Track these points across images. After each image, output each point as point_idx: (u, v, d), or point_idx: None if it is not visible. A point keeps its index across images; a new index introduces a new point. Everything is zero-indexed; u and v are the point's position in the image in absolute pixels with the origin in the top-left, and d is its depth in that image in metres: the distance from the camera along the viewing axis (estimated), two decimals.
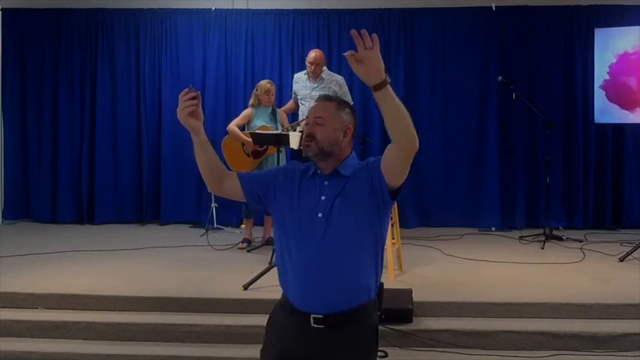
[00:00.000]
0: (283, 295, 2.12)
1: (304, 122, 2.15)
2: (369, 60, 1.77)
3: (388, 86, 1.81)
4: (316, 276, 2.01)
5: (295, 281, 2.04)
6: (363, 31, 1.76)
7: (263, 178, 2.22)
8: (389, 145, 1.98)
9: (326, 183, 2.09)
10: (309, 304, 2.02)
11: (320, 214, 2.03)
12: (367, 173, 2.06)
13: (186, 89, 2.05)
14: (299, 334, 2.03)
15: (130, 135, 6.98)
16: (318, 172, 2.13)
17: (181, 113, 2.05)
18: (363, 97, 6.61)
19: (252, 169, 5.61)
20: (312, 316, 2.00)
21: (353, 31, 1.76)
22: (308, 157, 2.12)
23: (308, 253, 2.02)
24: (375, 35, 1.78)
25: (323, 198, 2.06)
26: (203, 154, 2.15)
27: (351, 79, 6.48)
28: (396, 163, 1.97)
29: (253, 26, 6.90)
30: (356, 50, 1.78)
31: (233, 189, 2.20)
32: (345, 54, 1.80)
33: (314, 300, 2.01)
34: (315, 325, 2.00)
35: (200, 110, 2.07)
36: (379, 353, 2.21)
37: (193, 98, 2.05)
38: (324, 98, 2.18)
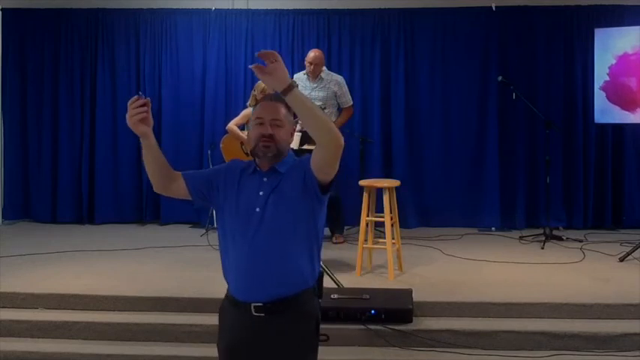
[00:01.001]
0: (227, 288, 2.26)
1: (256, 122, 2.22)
2: (275, 71, 1.96)
3: (295, 90, 1.98)
4: (252, 267, 2.14)
5: (235, 273, 2.18)
6: (267, 52, 1.97)
7: (206, 175, 2.34)
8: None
9: (265, 179, 2.22)
10: (249, 294, 2.14)
11: (257, 209, 2.16)
12: (300, 170, 2.18)
13: (136, 96, 2.13)
14: (243, 323, 2.16)
15: (130, 135, 6.79)
16: (258, 169, 2.25)
17: (131, 120, 2.13)
18: (363, 97, 6.62)
19: None
20: (253, 304, 2.13)
21: (259, 53, 1.96)
22: (264, 156, 2.20)
23: (244, 245, 2.15)
24: (275, 52, 1.98)
25: (261, 193, 2.19)
26: (152, 158, 2.27)
27: (351, 80, 6.50)
28: (322, 160, 2.11)
29: (253, 26, 6.90)
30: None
31: (179, 189, 2.32)
32: (251, 66, 2.00)
33: (252, 290, 2.14)
34: (256, 314, 2.13)
35: (150, 116, 2.16)
36: (321, 337, 2.29)
37: (142, 105, 2.13)
38: (275, 98, 2.24)
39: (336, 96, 5.77)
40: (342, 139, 2.05)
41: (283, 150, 2.23)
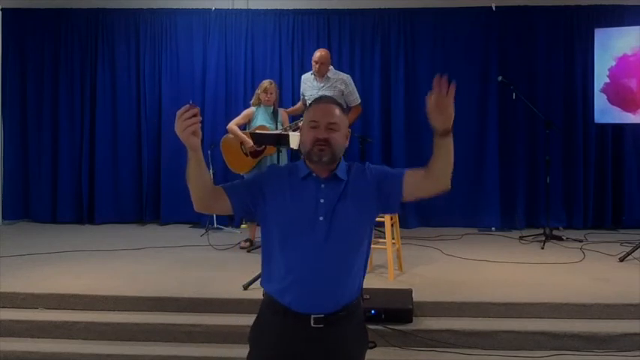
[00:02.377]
0: (270, 300, 2.10)
1: (311, 125, 2.12)
2: (447, 107, 1.92)
3: (451, 134, 1.96)
4: (318, 278, 2.03)
5: (295, 285, 2.04)
6: (443, 79, 1.93)
7: (249, 186, 2.15)
8: (422, 172, 2.08)
9: (322, 186, 2.09)
10: (310, 306, 2.03)
11: (321, 218, 2.04)
12: (373, 180, 2.10)
13: (187, 105, 1.93)
14: (297, 335, 2.05)
15: (130, 135, 6.98)
16: (313, 174, 2.11)
17: (185, 132, 1.92)
18: (363, 96, 6.59)
19: (250, 168, 5.61)
20: (313, 316, 2.03)
21: (437, 77, 1.94)
22: (318, 161, 2.08)
23: (309, 255, 2.03)
24: (453, 84, 1.93)
25: (322, 201, 2.07)
26: (199, 173, 2.03)
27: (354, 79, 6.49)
28: (423, 191, 2.09)
29: (253, 26, 6.90)
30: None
31: (223, 205, 2.12)
32: (428, 96, 1.95)
33: (315, 301, 2.03)
34: (314, 325, 2.03)
35: (199, 127, 1.97)
36: (370, 344, 2.36)
37: (194, 115, 1.92)
38: (330, 101, 2.17)
39: (343, 94, 5.77)
40: (450, 185, 2.06)
41: (338, 154, 2.11)
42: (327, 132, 2.07)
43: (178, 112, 1.93)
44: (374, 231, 5.17)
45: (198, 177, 2.04)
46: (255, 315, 2.20)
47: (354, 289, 2.12)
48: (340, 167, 2.13)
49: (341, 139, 2.11)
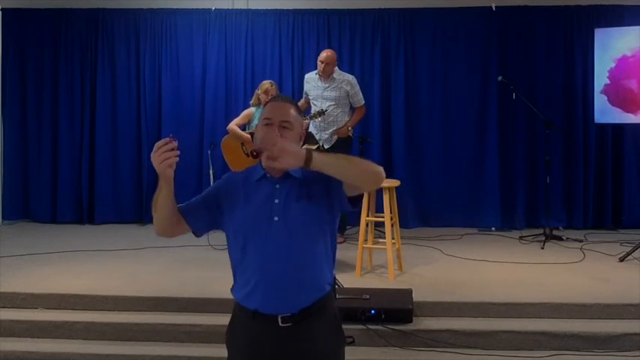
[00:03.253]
0: (238, 305, 2.11)
1: (265, 122, 2.11)
2: (282, 152, 1.87)
3: (315, 155, 1.89)
4: (279, 278, 2.03)
5: (258, 287, 2.04)
6: (264, 141, 1.94)
7: (205, 201, 2.17)
8: None
9: (277, 186, 2.09)
10: (276, 306, 2.03)
11: (276, 218, 2.04)
12: (322, 177, 2.04)
13: (167, 139, 1.96)
14: (267, 336, 2.05)
15: (130, 135, 6.98)
16: (268, 175, 2.11)
17: (163, 164, 1.96)
18: (363, 96, 6.61)
19: None
20: (280, 316, 2.03)
21: (254, 148, 1.95)
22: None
23: (270, 257, 2.03)
24: (273, 135, 1.95)
25: (276, 201, 2.06)
26: (166, 204, 2.07)
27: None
28: (359, 190, 2.06)
29: (253, 26, 6.90)
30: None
31: (183, 229, 2.15)
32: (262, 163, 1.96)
33: (280, 301, 2.03)
34: (283, 325, 2.03)
35: (176, 162, 2.00)
36: (347, 339, 2.26)
37: (173, 149, 1.96)
38: (289, 101, 2.17)
39: (348, 95, 5.77)
40: (383, 173, 2.00)
41: None
42: (279, 130, 2.06)
43: (157, 144, 1.96)
44: (374, 231, 5.17)
45: (164, 207, 2.07)
46: None
47: (320, 285, 2.09)
48: None
49: (294, 138, 2.08)
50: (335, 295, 2.21)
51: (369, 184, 2.05)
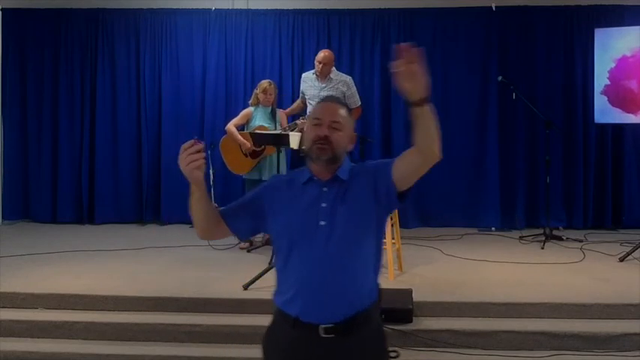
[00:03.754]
0: (279, 310, 2.04)
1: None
2: (418, 74, 1.78)
3: (428, 103, 1.81)
4: (324, 286, 1.95)
5: (301, 294, 1.97)
6: (407, 47, 1.74)
7: (248, 207, 2.12)
8: (409, 150, 1.95)
9: (325, 189, 2.03)
10: (318, 315, 1.95)
11: (322, 222, 1.97)
12: (369, 177, 2.01)
13: (192, 141, 1.92)
14: (307, 346, 1.96)
15: (130, 135, 6.98)
16: (315, 178, 2.05)
17: (189, 167, 1.91)
18: (363, 96, 6.59)
19: (250, 168, 5.62)
20: (322, 326, 1.94)
21: (399, 46, 1.75)
22: (317, 159, 2.03)
23: (314, 263, 1.95)
24: (417, 50, 1.76)
25: (324, 205, 2.00)
26: (202, 207, 2.03)
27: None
28: (413, 169, 1.96)
29: (253, 26, 6.91)
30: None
31: (224, 231, 2.11)
32: (392, 66, 1.76)
33: (323, 310, 1.95)
34: (324, 335, 1.94)
35: (204, 162, 1.94)
36: (391, 353, 2.15)
37: (199, 151, 1.91)
38: (336, 101, 2.14)
39: (344, 96, 5.77)
40: (440, 155, 1.91)
41: (340, 155, 2.04)
42: (329, 130, 2.01)
43: (183, 146, 1.92)
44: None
45: (199, 210, 2.03)
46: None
47: (364, 294, 2.00)
48: (342, 168, 2.06)
49: (343, 140, 2.04)
50: (380, 305, 2.11)
51: (433, 148, 1.89)
